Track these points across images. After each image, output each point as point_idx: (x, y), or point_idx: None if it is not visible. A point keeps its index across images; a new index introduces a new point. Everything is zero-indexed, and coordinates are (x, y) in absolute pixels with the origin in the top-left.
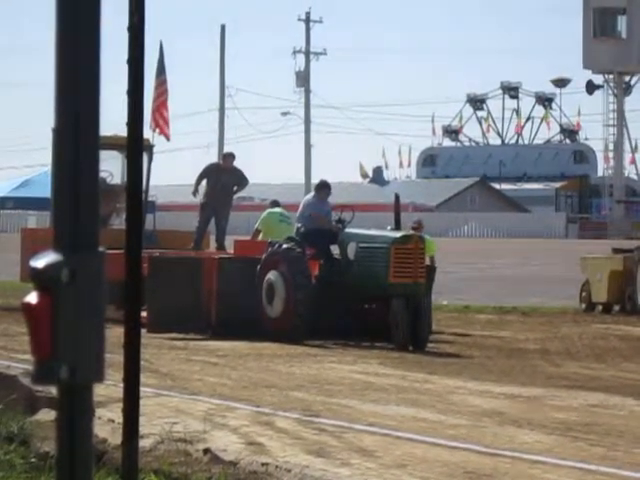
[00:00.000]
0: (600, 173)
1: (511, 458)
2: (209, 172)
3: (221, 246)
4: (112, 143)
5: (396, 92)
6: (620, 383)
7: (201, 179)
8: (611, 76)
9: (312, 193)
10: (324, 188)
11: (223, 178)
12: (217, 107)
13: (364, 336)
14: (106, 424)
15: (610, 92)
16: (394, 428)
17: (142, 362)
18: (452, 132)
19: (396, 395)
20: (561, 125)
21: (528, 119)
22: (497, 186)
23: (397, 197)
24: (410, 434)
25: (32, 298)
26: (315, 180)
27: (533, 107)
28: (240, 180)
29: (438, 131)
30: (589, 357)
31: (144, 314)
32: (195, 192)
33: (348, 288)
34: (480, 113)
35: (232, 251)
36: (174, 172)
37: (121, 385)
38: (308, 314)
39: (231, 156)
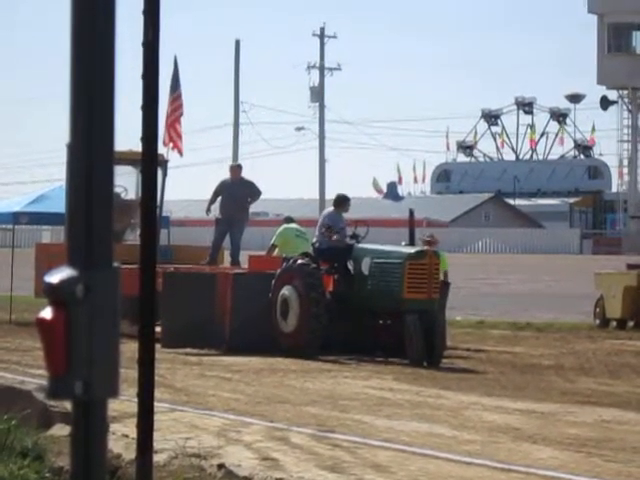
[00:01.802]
0: (614, 189)
1: (525, 474)
2: (221, 188)
3: (235, 261)
4: (127, 158)
5: (410, 107)
6: (634, 399)
7: (215, 197)
8: (625, 92)
9: (331, 208)
10: (344, 202)
11: (235, 191)
12: (231, 122)
13: (378, 351)
14: (120, 439)
15: (624, 107)
16: (408, 444)
17: (156, 377)
18: (466, 147)
19: (410, 410)
20: (575, 141)
21: (542, 134)
22: (511, 202)
23: (411, 212)
24: (424, 450)
25: (47, 313)
26: (329, 195)
27: (547, 123)
28: (252, 191)
29: (452, 146)
30: (603, 373)
31: (158, 329)
32: (208, 210)
33: (362, 303)
34: (494, 128)
35: (247, 266)
36: (188, 187)
37: (135, 400)
38: (322, 329)
39: (238, 167)
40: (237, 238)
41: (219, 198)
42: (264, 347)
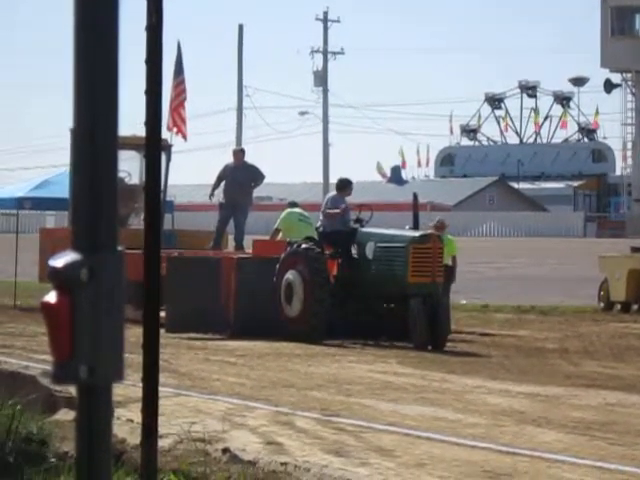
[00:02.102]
0: (618, 172)
1: (530, 457)
2: (224, 173)
3: (240, 246)
4: (131, 143)
5: (414, 91)
6: (639, 382)
7: (218, 182)
8: (629, 75)
9: (334, 192)
10: (347, 186)
11: (238, 176)
12: (235, 107)
13: (383, 336)
14: (125, 424)
15: (628, 91)
16: (413, 427)
17: (161, 362)
18: (470, 131)
19: (415, 394)
20: (579, 124)
21: (546, 118)
22: (515, 185)
23: (415, 196)
24: (429, 433)
25: (51, 298)
26: (333, 179)
27: (551, 106)
28: (256, 175)
29: (456, 130)
30: (608, 356)
31: (163, 314)
32: (211, 195)
33: (366, 288)
34: (498, 112)
35: (251, 251)
36: (192, 172)
37: (140, 385)
38: (326, 314)
39: (241, 152)
40: (241, 222)
41: (222, 183)
42: (268, 331)
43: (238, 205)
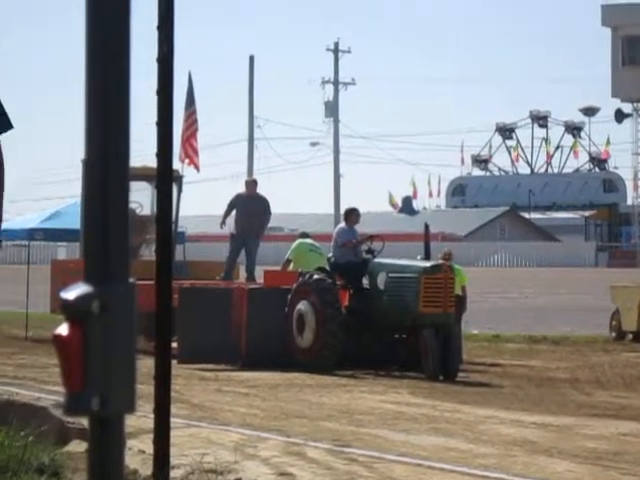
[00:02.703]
0: (629, 202)
1: None
2: (236, 202)
3: (251, 276)
4: (142, 174)
5: (425, 121)
6: None
7: (230, 210)
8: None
9: (342, 223)
10: (352, 213)
11: (250, 206)
12: (246, 138)
13: (394, 366)
14: (137, 455)
15: (639, 120)
16: (425, 458)
17: (172, 393)
18: (481, 161)
19: (427, 425)
20: (590, 154)
21: (557, 148)
22: (526, 215)
23: (427, 227)
24: (441, 464)
25: (63, 330)
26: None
27: (562, 136)
28: (266, 209)
29: (467, 160)
30: (620, 386)
31: (174, 345)
32: (222, 224)
33: (378, 318)
34: (509, 142)
35: (262, 281)
36: (203, 203)
37: (152, 416)
38: (338, 346)
39: (254, 182)
40: (252, 253)
41: (234, 212)
42: (280, 362)
43: (249, 236)
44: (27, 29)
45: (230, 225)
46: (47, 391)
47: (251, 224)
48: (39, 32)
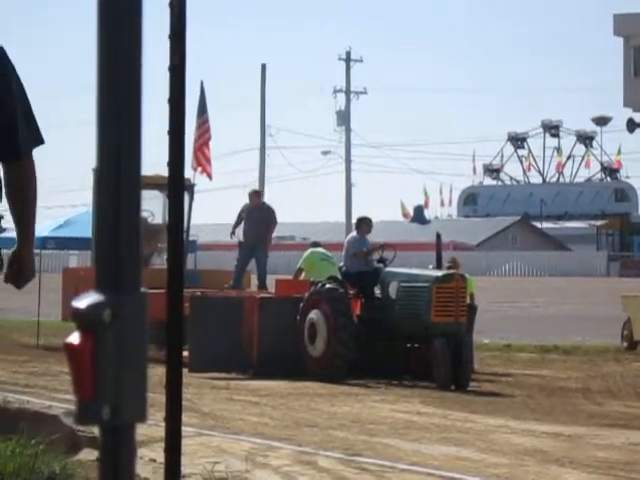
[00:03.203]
0: None
1: None
2: (243, 212)
3: (262, 285)
4: (153, 183)
5: (436, 131)
6: None
7: (239, 221)
8: None
9: (354, 232)
10: (364, 222)
11: (257, 216)
12: (258, 146)
13: (406, 375)
14: (148, 464)
15: None
16: (436, 467)
17: (184, 402)
18: (493, 171)
19: (438, 434)
20: (602, 163)
21: (569, 157)
22: (538, 225)
23: (439, 236)
24: (452, 473)
25: (74, 338)
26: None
27: (574, 145)
28: (270, 217)
29: (479, 170)
30: (631, 396)
31: (185, 354)
32: (232, 234)
33: (390, 327)
34: (521, 152)
35: (273, 290)
36: (215, 211)
37: (163, 425)
38: (350, 355)
39: (257, 194)
40: (262, 262)
41: (242, 222)
42: (291, 371)
43: (257, 245)
44: (43, 32)
45: (240, 235)
46: (58, 399)
47: (258, 233)
48: (53, 36)
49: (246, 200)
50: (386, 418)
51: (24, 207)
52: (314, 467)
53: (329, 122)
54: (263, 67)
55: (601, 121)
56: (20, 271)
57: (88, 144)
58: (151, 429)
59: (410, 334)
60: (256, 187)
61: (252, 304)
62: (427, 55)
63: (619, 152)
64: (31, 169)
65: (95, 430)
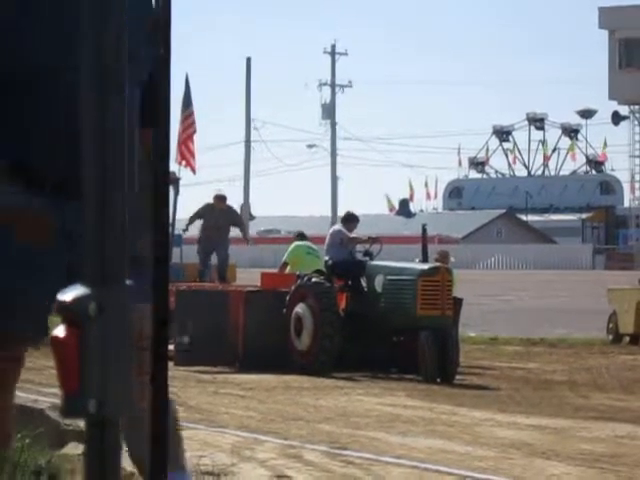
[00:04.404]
0: (626, 204)
1: None
2: (204, 212)
3: (222, 277)
4: None
5: (422, 124)
6: None
7: (196, 218)
8: (637, 107)
9: (338, 225)
10: (353, 220)
11: (218, 219)
12: (243, 140)
13: (392, 368)
14: None
15: (636, 123)
16: (422, 460)
17: (169, 395)
18: (478, 164)
19: (424, 427)
20: (587, 156)
21: (554, 150)
22: (524, 217)
23: (424, 229)
24: (438, 466)
25: (59, 332)
26: (341, 213)
27: (559, 138)
28: (235, 221)
29: (464, 163)
30: (617, 388)
31: (171, 347)
32: (185, 230)
33: (376, 320)
34: (506, 145)
35: (259, 284)
36: (200, 205)
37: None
38: (336, 349)
39: (223, 198)
40: (223, 255)
41: (200, 220)
42: (277, 365)
43: (216, 245)
44: None
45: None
46: (44, 393)
47: (218, 235)
48: None
49: (232, 194)
50: (372, 411)
51: None
52: (300, 460)
53: (314, 115)
54: (248, 60)
55: (586, 114)
56: None
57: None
58: None
59: (396, 327)
60: (221, 192)
61: (238, 298)
62: (412, 48)
63: (604, 145)
64: None
65: (81, 424)
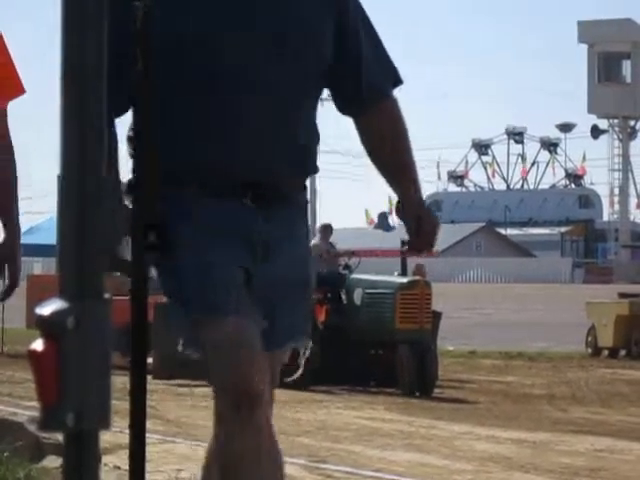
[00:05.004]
0: (605, 218)
1: None
2: None
3: None
4: None
5: None
6: (627, 428)
7: None
8: (616, 120)
9: (317, 238)
10: (327, 228)
11: None
12: None
13: (370, 382)
14: (112, 471)
15: (615, 137)
16: (400, 474)
17: (148, 408)
18: (457, 177)
19: (402, 441)
20: (566, 170)
21: (533, 164)
22: (503, 231)
23: (403, 243)
24: (417, 479)
25: (38, 345)
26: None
27: (538, 152)
28: None
29: (443, 176)
30: (595, 402)
31: (150, 360)
32: None
33: (354, 334)
34: (485, 158)
35: None
36: None
37: (127, 431)
38: (314, 363)
39: None
40: None
41: None
42: None
43: None
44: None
45: None
46: (23, 406)
47: None
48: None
49: None
50: (351, 425)
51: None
52: None
53: None
54: None
55: (565, 128)
56: None
57: (55, 150)
58: (115, 436)
59: (375, 340)
60: None
61: None
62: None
63: (584, 159)
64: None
65: (60, 437)
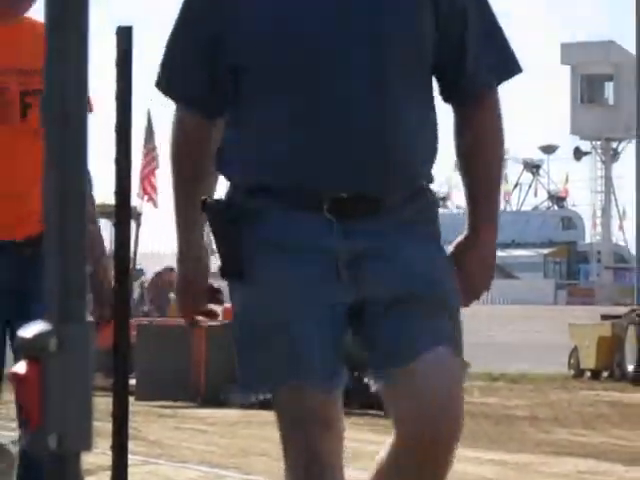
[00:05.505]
0: (588, 239)
1: None
2: None
3: None
4: (100, 211)
5: None
6: (609, 449)
7: None
8: (599, 142)
9: None
10: None
11: None
12: None
13: (355, 403)
14: None
15: (598, 158)
16: None
17: (130, 430)
18: (441, 199)
19: None
20: (549, 191)
21: (516, 185)
22: None
23: None
24: None
25: (20, 367)
26: None
27: (521, 174)
28: None
29: None
30: (578, 423)
31: (133, 382)
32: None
33: None
34: None
35: (221, 317)
36: (162, 240)
37: (109, 453)
38: None
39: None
40: None
41: None
42: (239, 399)
43: None
44: None
45: None
46: (5, 428)
47: None
48: None
49: None
50: None
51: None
52: None
53: None
54: None
55: (548, 149)
56: None
57: None
58: (98, 458)
59: (359, 362)
60: None
61: (200, 332)
62: None
63: (566, 180)
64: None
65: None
